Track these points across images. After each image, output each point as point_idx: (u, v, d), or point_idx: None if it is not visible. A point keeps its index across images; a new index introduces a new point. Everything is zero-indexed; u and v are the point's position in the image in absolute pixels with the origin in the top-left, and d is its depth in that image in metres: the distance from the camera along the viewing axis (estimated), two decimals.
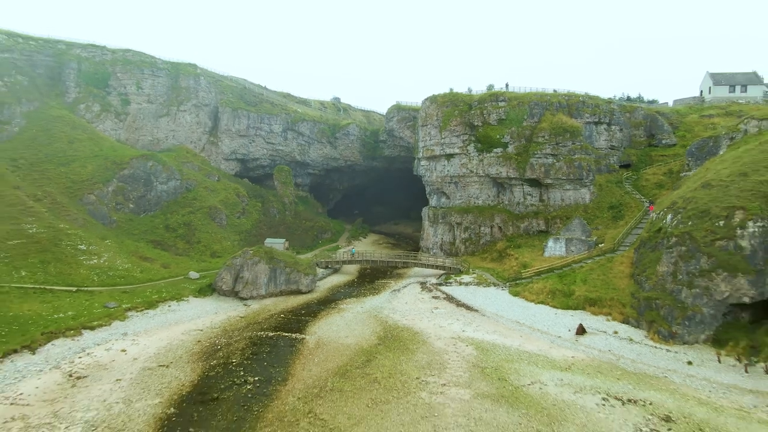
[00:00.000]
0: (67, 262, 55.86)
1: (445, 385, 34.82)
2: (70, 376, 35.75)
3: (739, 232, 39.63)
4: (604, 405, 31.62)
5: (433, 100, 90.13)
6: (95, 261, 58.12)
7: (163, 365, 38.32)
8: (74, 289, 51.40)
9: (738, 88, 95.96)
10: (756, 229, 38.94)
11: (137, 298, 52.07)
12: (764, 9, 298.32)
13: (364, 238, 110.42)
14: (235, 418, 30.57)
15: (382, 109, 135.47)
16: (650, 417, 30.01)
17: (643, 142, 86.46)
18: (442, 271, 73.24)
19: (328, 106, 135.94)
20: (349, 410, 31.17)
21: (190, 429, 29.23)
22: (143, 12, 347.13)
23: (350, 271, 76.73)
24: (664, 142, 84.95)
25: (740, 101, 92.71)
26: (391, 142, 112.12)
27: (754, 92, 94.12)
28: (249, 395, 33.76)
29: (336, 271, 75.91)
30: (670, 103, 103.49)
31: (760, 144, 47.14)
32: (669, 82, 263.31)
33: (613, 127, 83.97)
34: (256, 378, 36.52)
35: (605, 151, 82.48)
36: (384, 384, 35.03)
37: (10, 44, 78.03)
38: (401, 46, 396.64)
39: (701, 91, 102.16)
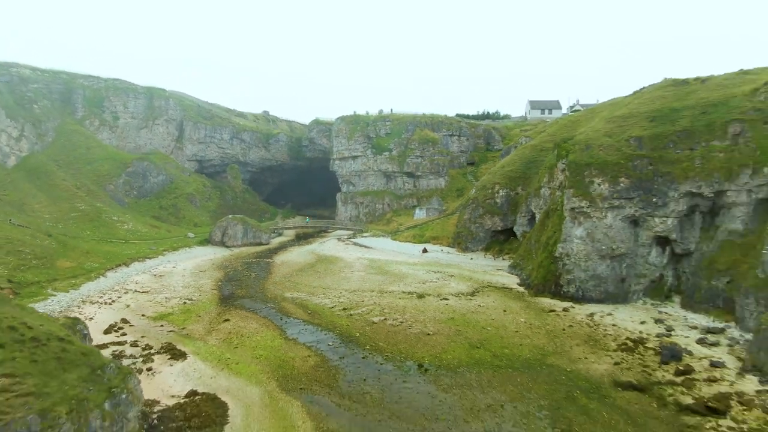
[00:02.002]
0: (109, 227, 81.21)
1: (352, 271, 66.65)
2: (155, 275, 63.23)
3: (496, 195, 74.67)
4: (425, 273, 64.40)
5: (343, 119, 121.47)
6: (126, 227, 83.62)
7: (202, 271, 66.68)
8: (123, 241, 77.49)
9: (546, 111, 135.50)
10: (503, 193, 74.11)
11: (165, 245, 79.04)
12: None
13: (294, 218, 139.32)
14: (252, 284, 60.57)
15: (302, 119, 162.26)
16: (443, 275, 63.33)
17: (483, 147, 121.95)
18: (351, 232, 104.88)
19: (260, 118, 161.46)
20: (306, 279, 61.71)
21: (234, 285, 58.92)
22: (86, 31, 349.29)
23: (290, 235, 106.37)
24: (495, 147, 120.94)
25: (547, 120, 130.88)
26: (312, 147, 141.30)
27: (557, 114, 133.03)
28: (255, 278, 63.50)
29: (280, 234, 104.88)
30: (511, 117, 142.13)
31: (517, 150, 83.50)
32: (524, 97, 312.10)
33: (462, 137, 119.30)
34: (255, 274, 65.89)
35: (457, 154, 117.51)
36: (322, 272, 65.95)
37: (35, 77, 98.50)
38: (317, 64, 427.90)
39: (525, 112, 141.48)
